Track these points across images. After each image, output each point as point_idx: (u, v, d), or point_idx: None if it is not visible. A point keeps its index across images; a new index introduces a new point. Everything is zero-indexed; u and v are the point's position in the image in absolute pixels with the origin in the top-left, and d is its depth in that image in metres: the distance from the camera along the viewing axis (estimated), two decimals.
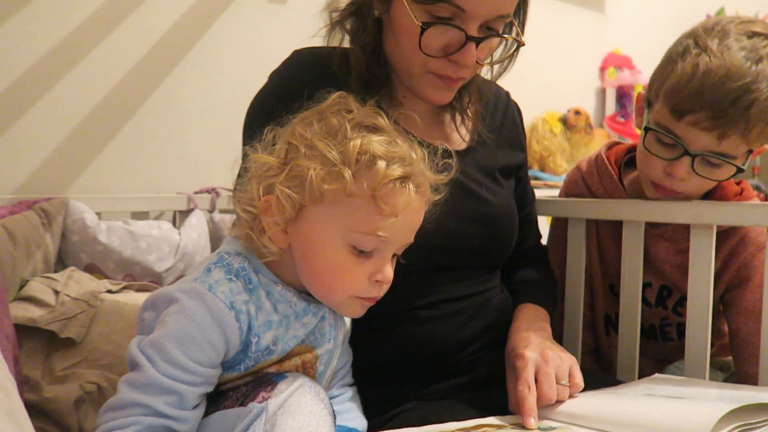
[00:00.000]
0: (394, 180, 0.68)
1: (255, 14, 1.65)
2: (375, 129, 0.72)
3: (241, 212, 0.73)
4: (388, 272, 0.72)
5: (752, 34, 0.91)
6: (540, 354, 0.80)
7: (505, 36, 0.84)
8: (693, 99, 0.90)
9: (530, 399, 0.75)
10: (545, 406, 0.77)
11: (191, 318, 0.65)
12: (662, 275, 1.08)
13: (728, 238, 1.03)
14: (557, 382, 0.78)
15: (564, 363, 0.80)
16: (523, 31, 0.89)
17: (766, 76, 0.88)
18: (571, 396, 0.79)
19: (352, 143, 0.68)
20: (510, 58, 0.91)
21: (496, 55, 0.90)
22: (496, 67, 0.92)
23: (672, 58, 0.96)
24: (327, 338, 0.76)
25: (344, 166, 0.67)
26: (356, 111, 0.73)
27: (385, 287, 0.74)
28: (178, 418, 0.64)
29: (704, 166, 0.94)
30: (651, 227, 1.06)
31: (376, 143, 0.69)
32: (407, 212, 0.70)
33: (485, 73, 0.94)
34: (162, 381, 0.63)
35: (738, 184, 1.06)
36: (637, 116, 1.07)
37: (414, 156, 0.71)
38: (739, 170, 0.94)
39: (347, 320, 0.83)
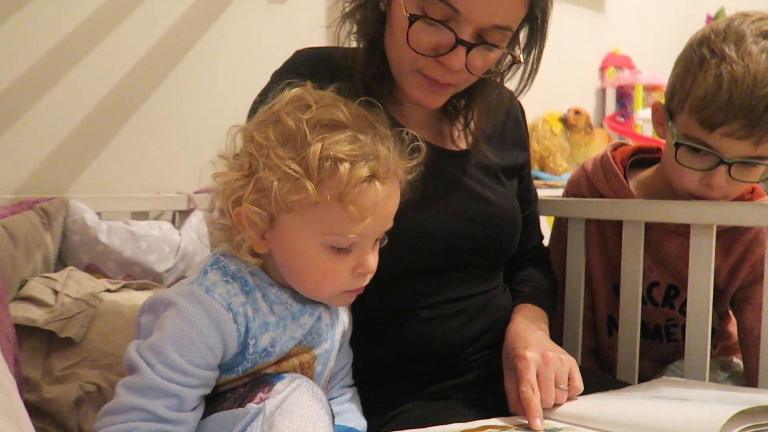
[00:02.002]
0: (360, 182, 0.66)
1: (255, 14, 1.65)
2: (335, 126, 0.68)
3: (213, 229, 0.73)
4: (370, 263, 0.71)
5: (766, 33, 0.90)
6: (541, 355, 0.80)
7: (499, 47, 0.81)
8: (724, 111, 0.88)
9: (535, 400, 0.75)
10: (547, 408, 0.77)
11: (189, 321, 0.65)
12: (672, 273, 1.08)
13: (742, 234, 1.03)
14: (556, 386, 0.78)
15: (564, 366, 0.80)
16: (539, 58, 0.87)
17: None
18: (569, 399, 0.79)
19: (311, 150, 0.65)
20: (525, 81, 0.88)
21: (501, 67, 0.88)
22: (514, 85, 0.89)
23: (689, 69, 0.94)
24: (324, 338, 0.76)
25: (306, 178, 0.65)
26: (314, 106, 0.70)
27: (369, 276, 0.74)
28: (177, 421, 0.64)
29: (741, 170, 0.94)
30: (663, 224, 1.05)
31: (338, 144, 0.66)
32: (377, 208, 0.68)
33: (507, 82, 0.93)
34: (161, 384, 0.63)
35: None
36: (656, 126, 1.05)
37: (379, 148, 0.69)
38: None
39: (345, 320, 0.83)
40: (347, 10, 0.88)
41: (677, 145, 0.96)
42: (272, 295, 0.72)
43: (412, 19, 0.77)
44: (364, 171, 0.66)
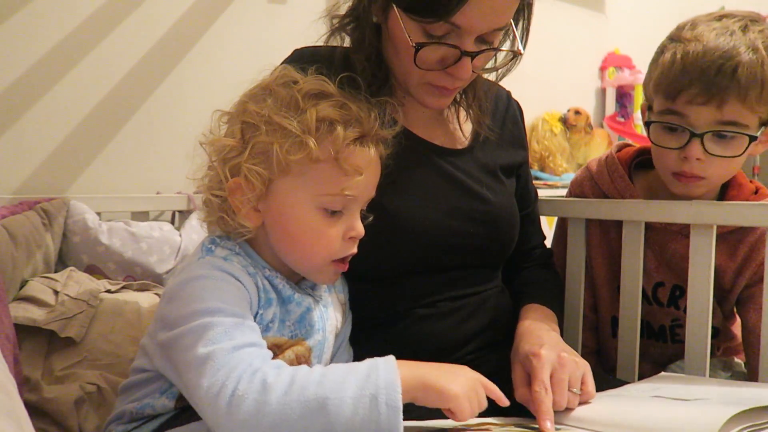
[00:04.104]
0: (354, 141, 0.72)
1: (255, 14, 1.65)
2: (324, 95, 0.74)
3: (210, 197, 0.75)
4: (360, 227, 0.76)
5: (720, 17, 0.97)
6: (557, 356, 0.79)
7: (502, 50, 0.84)
8: (680, 79, 0.94)
9: (547, 401, 0.74)
10: (558, 412, 0.76)
11: (221, 281, 0.68)
12: (677, 274, 1.08)
13: (747, 235, 1.04)
14: (569, 389, 0.76)
15: (578, 369, 0.79)
16: (527, 38, 0.89)
17: (744, 43, 0.92)
18: (581, 404, 0.78)
19: (308, 112, 0.71)
20: (509, 64, 0.90)
21: (499, 57, 0.89)
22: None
23: (654, 59, 1.02)
24: (317, 329, 0.77)
25: (306, 135, 0.70)
26: (301, 81, 0.75)
27: (355, 245, 0.77)
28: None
29: (715, 144, 0.95)
30: (668, 224, 1.06)
31: (329, 108, 0.72)
32: (369, 169, 0.74)
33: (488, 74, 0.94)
34: (233, 321, 0.65)
35: (751, 182, 1.08)
36: (645, 127, 1.07)
37: (367, 115, 0.75)
38: (752, 138, 0.95)
39: (338, 317, 0.84)
40: (336, 25, 0.89)
41: (648, 125, 1.01)
42: (267, 276, 0.74)
43: (419, 48, 0.79)
44: (355, 132, 0.72)
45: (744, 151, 0.96)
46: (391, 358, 0.63)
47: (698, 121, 0.94)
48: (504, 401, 0.70)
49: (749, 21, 0.95)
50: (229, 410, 0.58)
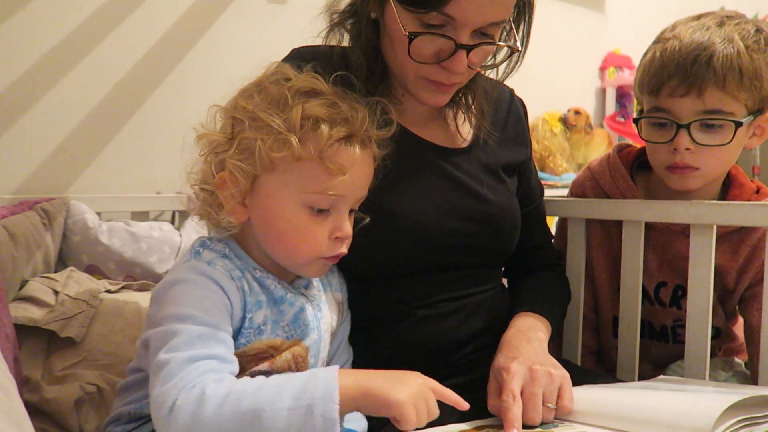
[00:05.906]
0: (339, 140, 0.71)
1: (255, 14, 1.65)
2: (315, 93, 0.74)
3: (198, 191, 0.75)
4: (347, 228, 0.75)
5: (698, 17, 1.01)
6: (528, 369, 0.77)
7: (499, 44, 0.83)
8: (660, 74, 0.98)
9: (514, 409, 0.72)
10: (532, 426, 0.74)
11: (200, 287, 0.68)
12: (679, 274, 1.08)
13: (749, 235, 1.04)
14: (544, 404, 0.74)
15: (553, 382, 0.76)
16: (528, 36, 0.89)
17: (719, 35, 0.95)
18: (557, 419, 0.75)
19: (294, 110, 0.70)
20: (514, 62, 0.89)
21: (499, 56, 0.89)
22: (501, 67, 0.91)
23: (639, 62, 1.06)
24: (311, 328, 0.77)
25: (290, 132, 0.69)
26: (294, 78, 0.75)
27: (347, 244, 0.76)
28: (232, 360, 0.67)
29: (703, 133, 0.97)
30: (670, 225, 1.06)
31: (318, 107, 0.71)
32: (355, 169, 0.73)
33: (491, 73, 0.94)
34: (203, 331, 0.65)
35: (752, 182, 1.08)
36: (635, 125, 1.09)
37: (356, 115, 0.74)
38: (737, 124, 0.96)
39: (334, 317, 0.84)
40: (336, 20, 0.89)
41: (636, 121, 1.05)
42: (258, 277, 0.74)
43: (412, 37, 0.78)
44: (341, 131, 0.71)
45: (732, 139, 0.96)
46: (334, 368, 0.63)
47: (682, 112, 0.97)
48: (463, 405, 0.68)
49: (725, 17, 0.98)
50: (167, 421, 0.59)
